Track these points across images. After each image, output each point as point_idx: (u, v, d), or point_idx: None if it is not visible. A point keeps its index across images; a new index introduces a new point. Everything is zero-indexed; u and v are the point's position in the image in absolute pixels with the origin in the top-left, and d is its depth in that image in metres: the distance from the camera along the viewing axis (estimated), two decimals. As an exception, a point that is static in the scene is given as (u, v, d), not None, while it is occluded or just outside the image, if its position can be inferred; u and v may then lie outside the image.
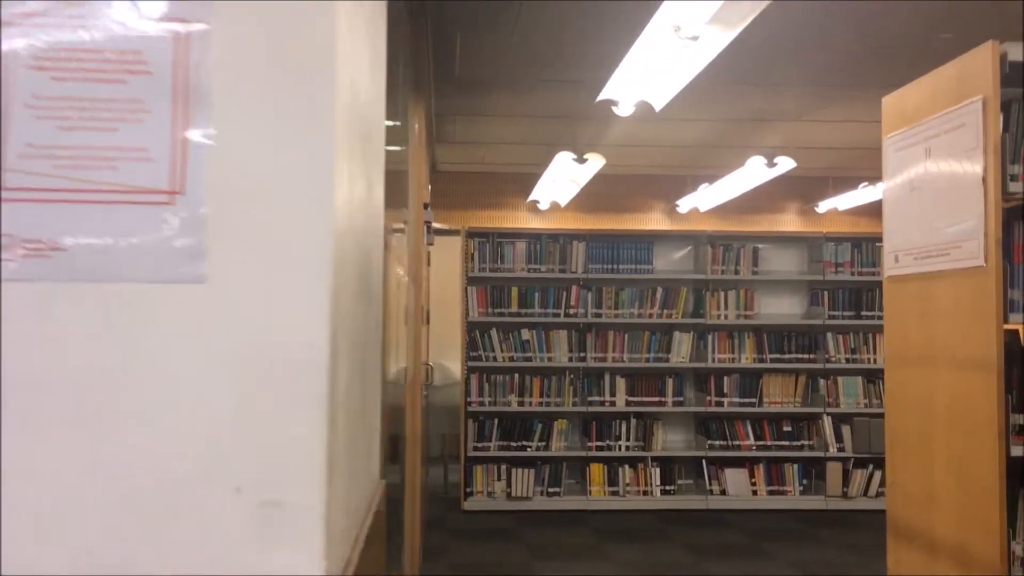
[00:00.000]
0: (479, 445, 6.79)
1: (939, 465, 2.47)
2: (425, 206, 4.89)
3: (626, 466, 6.84)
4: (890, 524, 2.76)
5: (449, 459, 7.50)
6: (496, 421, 6.82)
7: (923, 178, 2.58)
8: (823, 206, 9.69)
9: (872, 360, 6.97)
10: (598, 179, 8.93)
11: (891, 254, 2.83)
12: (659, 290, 6.92)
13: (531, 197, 8.71)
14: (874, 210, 9.21)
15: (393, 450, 4.29)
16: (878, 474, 6.86)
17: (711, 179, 8.32)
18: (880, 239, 7.17)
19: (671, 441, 7.11)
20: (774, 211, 9.42)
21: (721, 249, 7.02)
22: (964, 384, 2.36)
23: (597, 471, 6.83)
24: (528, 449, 6.80)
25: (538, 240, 6.96)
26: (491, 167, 8.95)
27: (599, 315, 6.88)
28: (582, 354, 6.85)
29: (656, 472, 6.83)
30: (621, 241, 6.97)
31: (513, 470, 6.75)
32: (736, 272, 7.00)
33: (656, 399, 6.89)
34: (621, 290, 6.92)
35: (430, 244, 6.34)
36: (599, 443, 6.84)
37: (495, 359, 6.82)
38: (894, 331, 2.86)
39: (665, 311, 6.92)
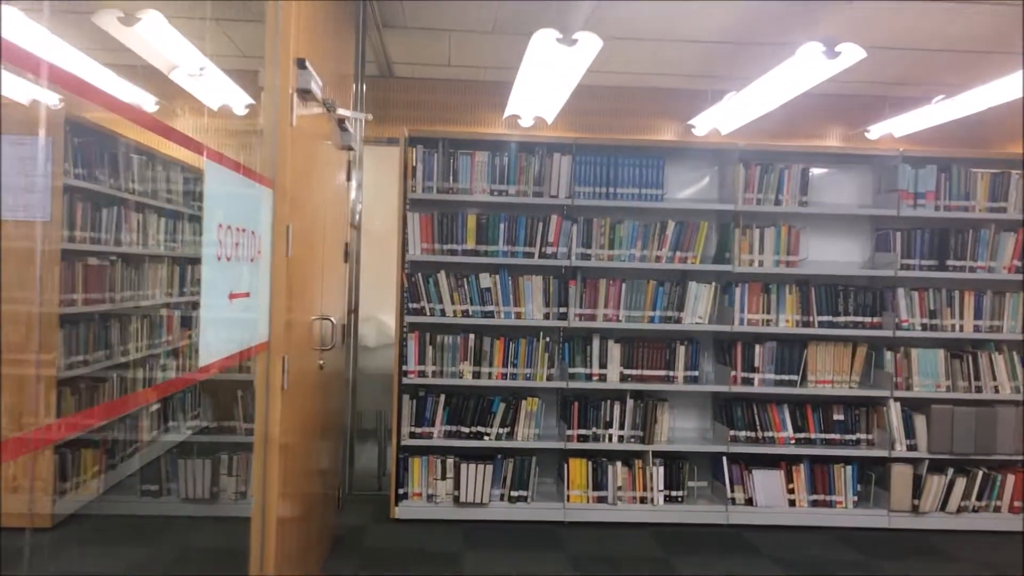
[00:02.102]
0: (418, 430, 4.97)
1: None
2: (300, 64, 2.99)
3: (619, 463, 5.02)
4: None
5: (388, 443, 5.69)
6: (442, 398, 4.99)
7: None
8: (876, 131, 7.85)
9: (959, 327, 5.10)
10: (593, 92, 6.98)
11: None
12: (671, 224, 5.03)
13: (509, 110, 6.81)
14: (948, 134, 7.30)
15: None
16: (960, 482, 5.03)
17: (738, 87, 6.43)
18: (976, 163, 5.26)
19: (681, 430, 5.28)
20: (812, 138, 7.53)
21: (758, 170, 5.11)
22: None
23: (579, 469, 5.01)
24: (485, 437, 4.98)
25: (506, 151, 5.06)
26: (460, 71, 7.05)
27: (587, 256, 5.01)
28: (563, 309, 5.00)
29: (659, 472, 5.01)
30: (621, 156, 5.06)
31: (464, 466, 4.94)
32: (777, 202, 5.10)
33: (662, 373, 5.05)
34: (619, 223, 5.04)
35: (347, 148, 4.48)
36: (583, 431, 5.02)
37: (443, 313, 4.97)
38: None
39: (679, 254, 5.04)
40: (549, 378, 5.01)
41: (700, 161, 5.32)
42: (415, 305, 4.97)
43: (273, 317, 2.89)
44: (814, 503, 5.06)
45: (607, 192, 5.02)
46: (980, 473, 5.04)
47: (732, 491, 5.03)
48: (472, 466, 4.93)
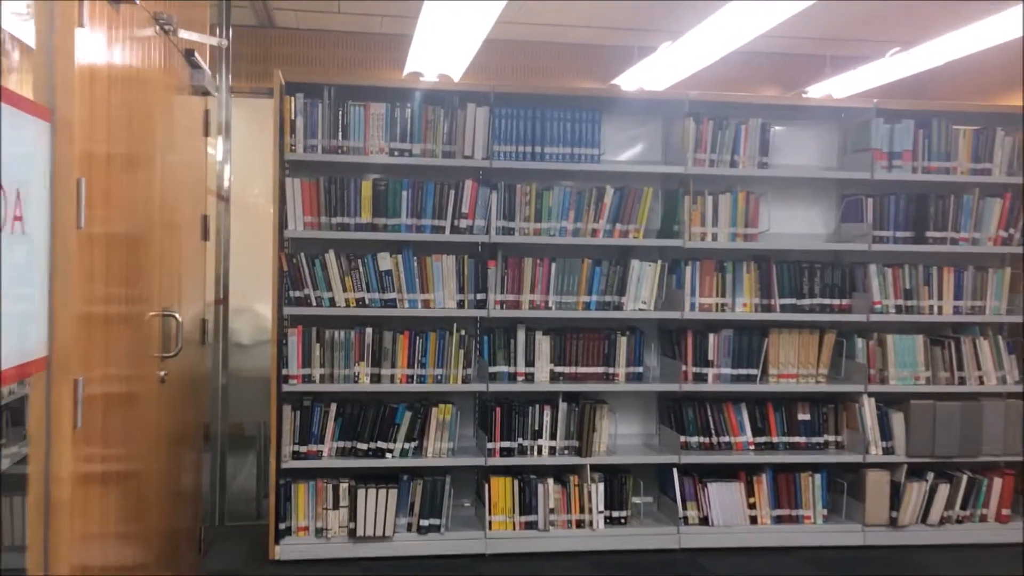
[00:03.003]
0: (303, 449, 4.00)
1: None
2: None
3: (550, 481, 4.16)
4: None
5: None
6: (333, 408, 4.03)
7: None
8: (815, 90, 7.23)
9: (937, 308, 4.41)
10: (503, 48, 6.09)
11: None
12: (609, 191, 4.17)
13: (410, 67, 5.87)
14: (890, 94, 6.68)
15: None
16: (943, 488, 4.35)
17: (674, 36, 5.67)
18: (957, 119, 4.15)
19: (623, 438, 4.44)
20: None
21: (710, 126, 4.28)
22: None
23: (503, 490, 4.13)
24: (388, 455, 4.04)
25: (409, 102, 4.11)
26: (352, 21, 6.07)
27: (510, 231, 4.12)
28: (480, 296, 4.10)
29: (598, 490, 4.17)
30: (549, 108, 4.16)
31: (361, 491, 3.99)
32: (733, 164, 4.30)
33: (600, 370, 4.21)
34: (547, 189, 4.16)
35: (201, 92, 3.47)
36: (506, 444, 4.13)
37: (332, 303, 4.01)
38: None
39: (619, 227, 4.19)
40: (465, 380, 4.10)
41: (643, 116, 4.46)
42: (297, 293, 3.99)
43: (56, 319, 1.90)
44: (778, 519, 4.31)
45: (533, 152, 4.12)
46: (964, 478, 4.37)
47: (684, 508, 4.23)
48: (372, 491, 3.99)
